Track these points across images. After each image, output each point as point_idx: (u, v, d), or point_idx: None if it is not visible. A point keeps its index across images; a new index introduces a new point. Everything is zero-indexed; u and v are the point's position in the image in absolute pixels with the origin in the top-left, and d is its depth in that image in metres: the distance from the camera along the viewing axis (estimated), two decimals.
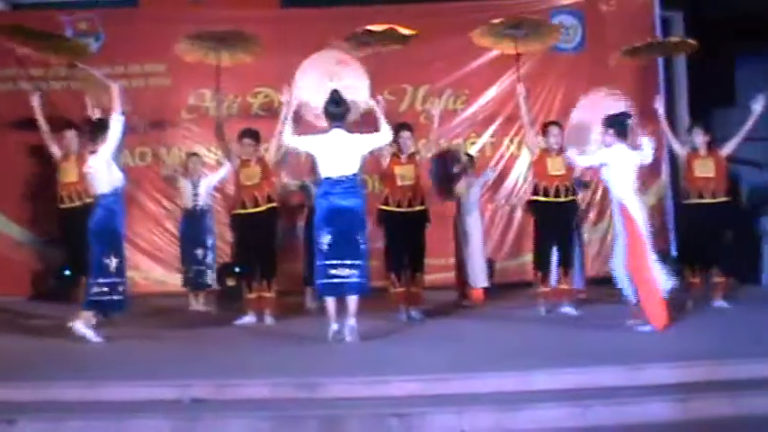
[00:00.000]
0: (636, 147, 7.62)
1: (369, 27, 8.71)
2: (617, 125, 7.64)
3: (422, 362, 6.20)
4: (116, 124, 7.36)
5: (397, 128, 8.55)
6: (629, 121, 7.77)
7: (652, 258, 7.39)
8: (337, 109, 7.33)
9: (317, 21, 11.27)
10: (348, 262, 7.10)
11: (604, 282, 8.77)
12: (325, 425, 5.20)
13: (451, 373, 5.78)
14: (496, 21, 8.96)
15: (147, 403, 5.46)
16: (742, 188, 12.49)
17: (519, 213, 11.16)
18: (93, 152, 7.46)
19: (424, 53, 10.27)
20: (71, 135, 8.87)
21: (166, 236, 11.14)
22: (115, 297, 7.36)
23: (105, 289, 7.29)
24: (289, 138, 7.53)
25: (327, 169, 7.23)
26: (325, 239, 7.16)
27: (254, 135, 8.59)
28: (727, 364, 5.82)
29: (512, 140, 11.59)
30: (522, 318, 8.56)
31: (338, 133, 7.28)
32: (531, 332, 7.73)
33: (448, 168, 9.81)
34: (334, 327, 7.09)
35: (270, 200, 8.54)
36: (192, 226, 9.71)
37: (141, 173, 10.98)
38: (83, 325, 7.39)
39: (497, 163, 11.65)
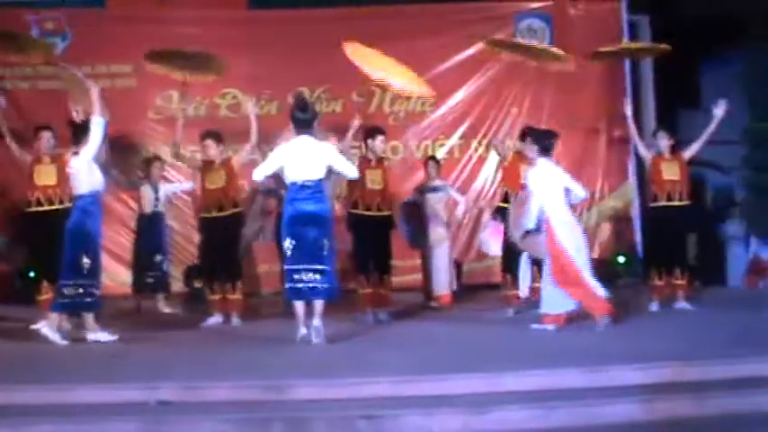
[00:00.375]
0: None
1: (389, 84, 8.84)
2: (542, 142, 7.71)
3: (390, 364, 6.18)
4: (96, 126, 7.34)
5: (372, 132, 8.58)
6: (555, 140, 7.87)
7: (585, 271, 7.43)
8: (304, 115, 7.27)
9: (285, 22, 11.28)
10: (312, 267, 7.03)
11: None
12: (292, 427, 5.18)
13: (420, 375, 5.77)
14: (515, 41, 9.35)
15: (114, 406, 5.41)
16: (707, 191, 12.65)
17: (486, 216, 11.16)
18: (75, 153, 7.43)
19: (392, 55, 10.26)
20: (47, 136, 8.63)
21: (131, 237, 11.03)
22: (87, 299, 7.34)
23: (80, 290, 7.27)
24: (258, 174, 7.38)
25: (293, 174, 7.16)
26: (290, 244, 7.11)
27: (215, 136, 8.57)
28: (691, 365, 5.87)
29: (480, 143, 11.65)
30: (489, 320, 8.58)
31: (305, 139, 7.20)
32: (499, 334, 7.76)
33: (417, 217, 9.75)
34: (303, 331, 7.03)
35: (235, 204, 8.52)
36: (151, 231, 9.68)
37: None
38: (48, 327, 7.35)
39: (465, 165, 11.71)
